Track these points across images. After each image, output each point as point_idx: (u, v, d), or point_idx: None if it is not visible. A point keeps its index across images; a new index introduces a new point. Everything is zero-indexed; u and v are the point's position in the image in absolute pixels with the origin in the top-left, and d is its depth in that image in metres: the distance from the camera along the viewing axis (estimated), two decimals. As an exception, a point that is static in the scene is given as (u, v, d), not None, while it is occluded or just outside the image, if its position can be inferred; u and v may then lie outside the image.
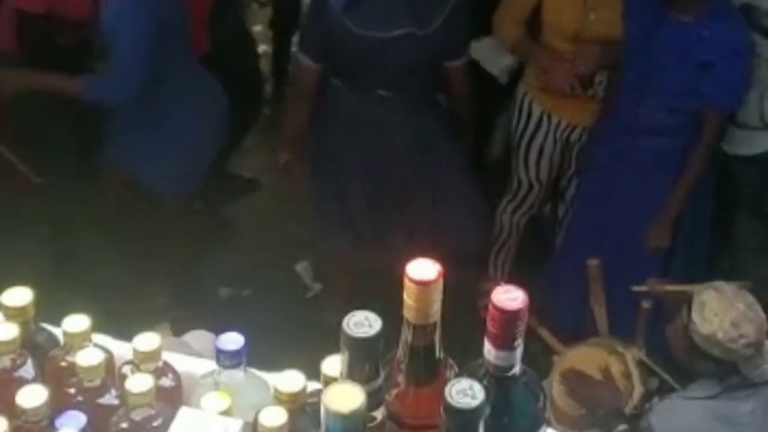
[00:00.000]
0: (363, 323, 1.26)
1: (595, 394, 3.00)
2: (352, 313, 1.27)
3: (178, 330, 3.19)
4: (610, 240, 3.78)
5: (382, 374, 1.29)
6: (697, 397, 2.67)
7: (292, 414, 1.43)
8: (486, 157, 4.89)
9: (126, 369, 1.57)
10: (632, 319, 3.23)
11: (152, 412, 1.46)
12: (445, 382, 1.26)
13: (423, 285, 1.25)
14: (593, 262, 3.36)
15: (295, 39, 4.63)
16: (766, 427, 2.62)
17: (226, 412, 1.45)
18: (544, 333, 3.27)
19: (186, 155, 3.77)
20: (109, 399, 1.51)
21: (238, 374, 1.53)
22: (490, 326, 1.25)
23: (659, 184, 3.68)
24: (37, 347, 1.56)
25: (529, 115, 4.01)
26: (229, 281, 4.39)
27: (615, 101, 3.72)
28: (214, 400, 1.47)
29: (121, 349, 1.61)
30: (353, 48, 3.51)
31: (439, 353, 1.32)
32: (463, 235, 3.83)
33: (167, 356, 1.59)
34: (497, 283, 3.86)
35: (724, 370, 2.62)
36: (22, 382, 1.48)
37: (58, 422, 1.43)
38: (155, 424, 1.46)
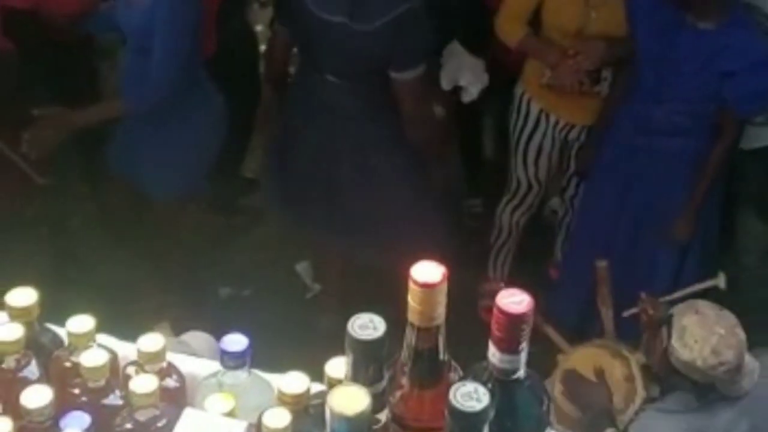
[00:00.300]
0: (367, 326, 1.27)
1: (587, 395, 3.00)
2: (357, 316, 1.28)
3: (179, 329, 3.19)
4: (620, 241, 3.77)
5: (386, 377, 1.30)
6: (675, 411, 2.66)
7: (296, 415, 1.44)
8: (479, 157, 4.92)
9: (130, 369, 1.57)
10: (639, 323, 3.23)
11: (156, 412, 1.46)
12: (449, 384, 1.27)
13: (427, 288, 1.26)
14: (602, 264, 3.36)
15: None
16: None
17: (230, 414, 1.46)
18: (550, 331, 3.27)
19: (186, 158, 3.77)
20: (114, 399, 1.52)
21: (242, 375, 1.54)
22: (494, 330, 1.25)
23: (673, 183, 3.67)
24: (41, 347, 1.57)
25: (528, 114, 4.01)
26: (229, 281, 4.39)
27: (626, 102, 3.70)
28: (218, 402, 1.47)
29: (126, 350, 1.61)
30: (305, 24, 3.48)
31: (443, 356, 1.32)
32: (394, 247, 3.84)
33: (171, 357, 1.59)
34: (497, 284, 3.86)
35: (702, 389, 2.62)
36: (27, 382, 1.48)
37: (62, 422, 1.43)
38: (159, 424, 1.46)
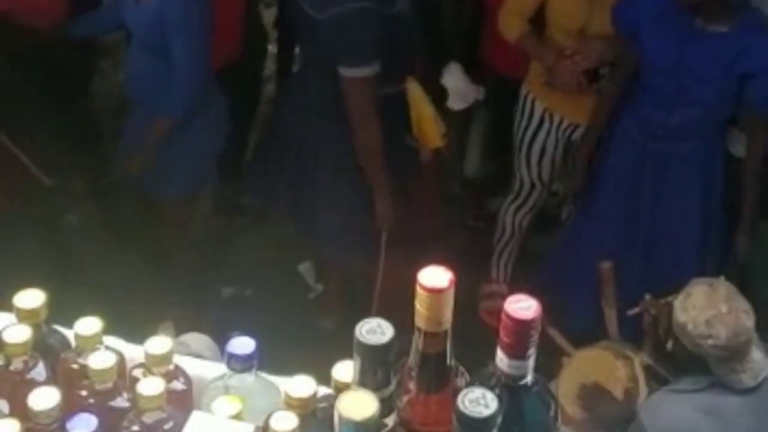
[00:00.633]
0: (375, 330, 1.27)
1: (608, 411, 3.01)
2: (365, 320, 1.28)
3: (181, 330, 3.19)
4: (633, 245, 3.76)
5: (394, 381, 1.30)
6: (685, 390, 2.69)
7: (303, 419, 1.44)
8: (461, 175, 4.91)
9: (137, 372, 1.57)
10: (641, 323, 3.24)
11: (163, 415, 1.46)
12: (457, 389, 1.27)
13: (435, 293, 1.26)
14: (606, 265, 3.37)
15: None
16: (755, 422, 2.62)
17: (237, 417, 1.46)
18: (555, 334, 3.28)
19: (188, 158, 3.77)
20: (121, 402, 1.51)
21: (248, 378, 1.54)
22: (502, 335, 1.26)
23: (685, 184, 3.65)
24: (49, 349, 1.57)
25: (532, 114, 4.01)
26: (232, 281, 4.39)
27: (631, 110, 3.67)
28: (225, 405, 1.47)
29: (133, 352, 1.61)
30: (290, 9, 3.54)
31: (450, 361, 1.33)
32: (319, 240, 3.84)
33: (178, 360, 1.59)
34: (497, 285, 3.86)
35: (697, 364, 2.64)
36: (34, 384, 1.48)
37: (69, 425, 1.43)
38: (166, 427, 1.46)
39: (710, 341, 2.57)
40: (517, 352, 1.26)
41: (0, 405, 1.50)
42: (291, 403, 1.46)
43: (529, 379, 1.28)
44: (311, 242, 4.02)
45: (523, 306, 1.25)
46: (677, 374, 2.86)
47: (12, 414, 1.46)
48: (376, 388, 1.26)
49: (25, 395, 1.44)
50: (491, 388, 1.25)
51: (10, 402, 1.48)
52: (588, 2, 3.69)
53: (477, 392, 1.22)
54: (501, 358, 1.27)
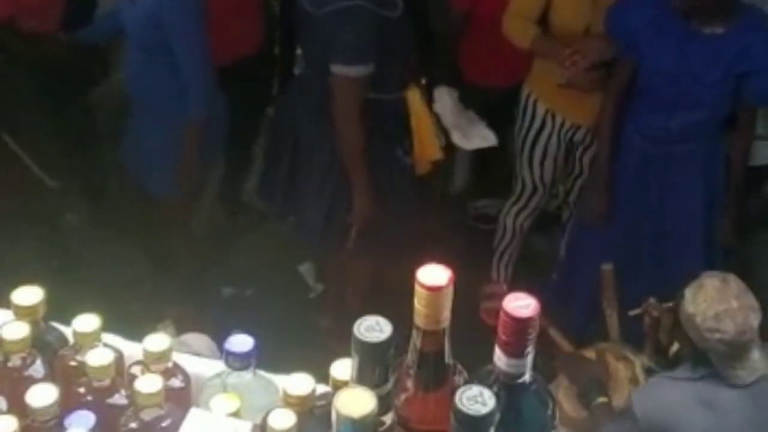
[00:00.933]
0: (374, 328, 1.27)
1: (581, 369, 3.02)
2: (363, 318, 1.28)
3: (181, 329, 3.20)
4: (633, 246, 3.76)
5: (392, 379, 1.30)
6: (681, 378, 2.70)
7: (301, 416, 1.44)
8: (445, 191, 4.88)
9: (135, 369, 1.58)
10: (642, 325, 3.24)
11: (161, 412, 1.47)
12: (455, 387, 1.27)
13: (434, 291, 1.26)
14: (607, 267, 3.37)
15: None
16: (746, 417, 2.62)
17: (235, 414, 1.46)
18: (555, 334, 3.28)
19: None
20: (119, 399, 1.52)
21: (246, 376, 1.54)
22: (501, 333, 1.25)
23: (690, 184, 3.65)
24: (47, 346, 1.57)
25: (534, 115, 4.01)
26: (232, 281, 4.39)
27: (632, 118, 3.67)
28: (223, 402, 1.47)
29: (131, 349, 1.62)
30: (291, 7, 3.57)
31: (448, 359, 1.32)
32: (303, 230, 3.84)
33: (177, 357, 1.59)
34: (498, 286, 3.87)
35: (698, 358, 2.64)
36: (32, 381, 1.48)
37: (67, 421, 1.43)
38: (164, 424, 1.46)
39: (717, 335, 2.57)
40: (515, 351, 1.26)
41: (-2, 402, 1.50)
42: (289, 401, 1.47)
43: (527, 377, 1.28)
44: (299, 235, 4.02)
45: (521, 304, 1.24)
46: None
47: (10, 411, 1.46)
48: (374, 386, 1.26)
49: (23, 392, 1.44)
50: (489, 386, 1.25)
51: (8, 399, 1.48)
52: (592, 3, 3.69)
53: (474, 390, 1.21)
54: (499, 357, 1.27)
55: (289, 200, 3.80)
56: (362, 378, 1.27)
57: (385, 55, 3.41)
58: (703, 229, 3.70)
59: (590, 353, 3.20)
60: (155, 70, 3.56)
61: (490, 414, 1.20)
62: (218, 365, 1.59)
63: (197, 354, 2.20)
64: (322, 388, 1.53)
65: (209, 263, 4.27)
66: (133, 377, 1.54)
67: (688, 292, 2.65)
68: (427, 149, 3.71)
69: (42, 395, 1.43)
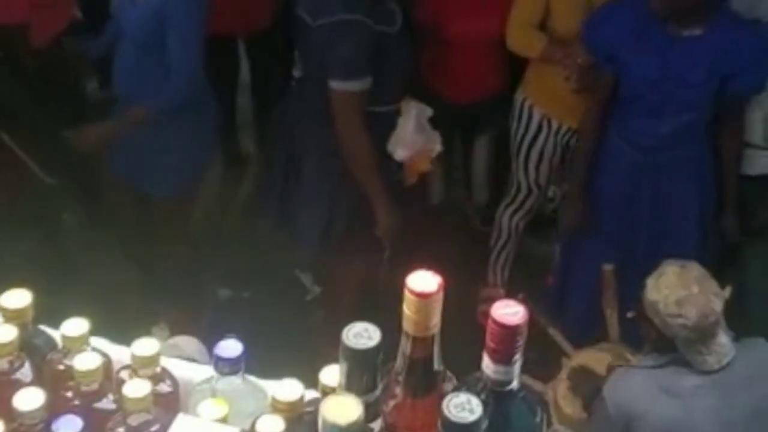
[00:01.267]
0: (362, 334, 1.26)
1: (591, 387, 3.02)
2: (351, 324, 1.27)
3: (176, 331, 3.19)
4: (628, 252, 3.75)
5: (380, 386, 1.29)
6: (644, 366, 2.72)
7: (290, 423, 1.43)
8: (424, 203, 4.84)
9: (124, 374, 1.57)
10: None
11: (149, 417, 1.45)
12: (443, 394, 1.26)
13: (423, 297, 1.25)
14: (608, 268, 3.36)
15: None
16: (715, 403, 2.62)
17: (223, 420, 1.45)
18: (554, 334, 3.27)
19: (181, 158, 3.76)
20: (106, 403, 1.51)
21: (236, 381, 1.53)
22: (489, 341, 1.25)
23: (684, 187, 3.64)
24: (35, 350, 1.56)
25: (529, 121, 4.01)
26: (229, 283, 4.39)
27: (618, 127, 3.64)
28: (211, 407, 1.46)
29: (119, 354, 1.61)
30: (291, 13, 3.57)
31: (437, 365, 1.32)
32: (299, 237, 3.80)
33: (165, 362, 1.58)
34: (495, 289, 3.85)
35: (662, 343, 2.65)
36: (20, 384, 1.48)
37: (54, 426, 1.42)
38: (152, 429, 1.45)
39: (680, 320, 2.59)
40: (503, 358, 1.25)
41: (-15, 405, 1.49)
42: (278, 407, 1.46)
43: (515, 384, 1.27)
44: (293, 245, 3.99)
45: (509, 312, 1.23)
46: None
47: (-3, 414, 1.45)
48: (362, 393, 1.25)
49: (11, 396, 1.43)
50: (477, 394, 1.24)
51: (-5, 402, 1.48)
52: (589, 9, 3.68)
53: (462, 397, 1.21)
54: (487, 364, 1.26)
55: (284, 212, 3.77)
56: (350, 384, 1.27)
57: (383, 70, 3.39)
58: (696, 230, 3.70)
59: (591, 353, 3.21)
60: (143, 66, 3.55)
61: (478, 422, 1.19)
62: (207, 370, 1.58)
63: (187, 357, 2.20)
64: (312, 394, 1.52)
65: (206, 265, 4.26)
66: (122, 382, 1.52)
67: (650, 281, 2.67)
68: (418, 161, 3.69)
69: (29, 399, 1.42)
